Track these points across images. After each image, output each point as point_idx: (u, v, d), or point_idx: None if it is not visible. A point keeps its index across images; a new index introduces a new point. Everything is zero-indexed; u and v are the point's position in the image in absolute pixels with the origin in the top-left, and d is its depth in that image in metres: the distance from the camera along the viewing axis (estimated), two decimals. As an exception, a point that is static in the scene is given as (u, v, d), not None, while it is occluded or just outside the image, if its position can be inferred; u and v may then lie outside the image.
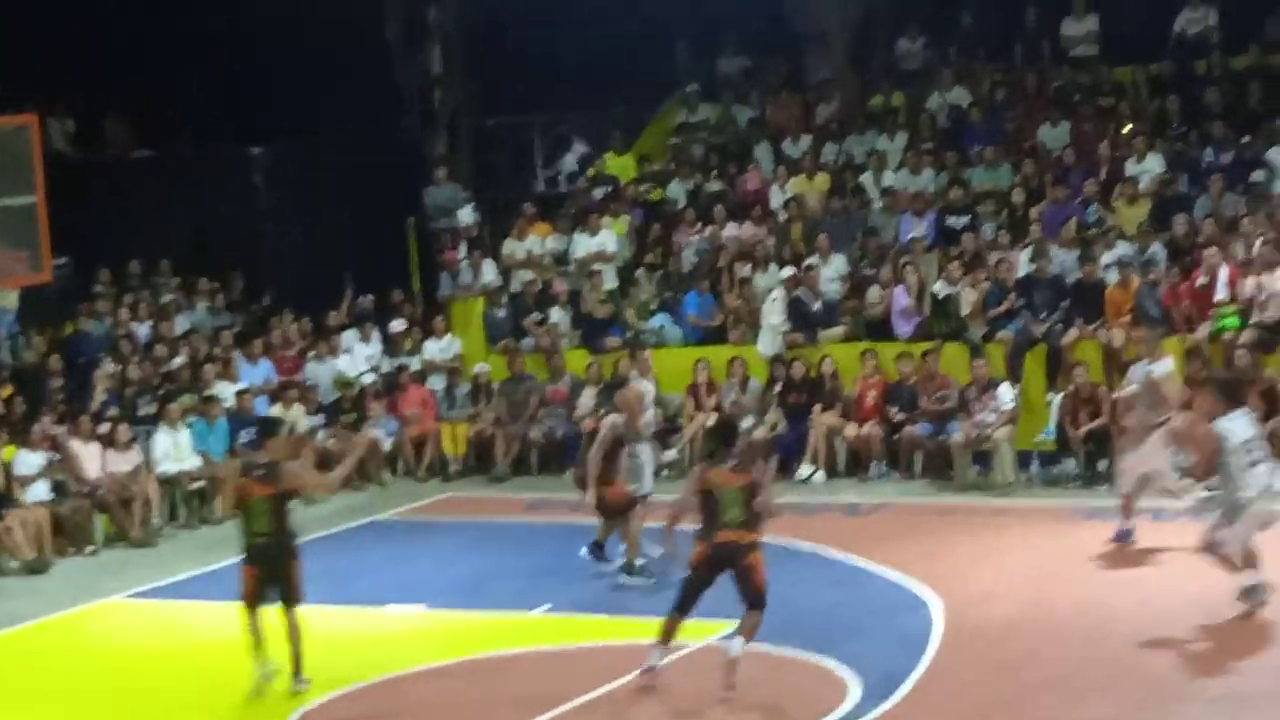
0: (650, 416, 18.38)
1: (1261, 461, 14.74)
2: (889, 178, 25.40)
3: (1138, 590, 15.99)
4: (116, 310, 24.83)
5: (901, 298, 22.86)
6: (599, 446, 17.19)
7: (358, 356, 24.82)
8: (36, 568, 19.82)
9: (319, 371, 24.47)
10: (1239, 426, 14.73)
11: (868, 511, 20.22)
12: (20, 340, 23.62)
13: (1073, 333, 21.72)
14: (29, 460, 20.75)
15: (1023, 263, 22.75)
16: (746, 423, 21.09)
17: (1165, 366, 18.02)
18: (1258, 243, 21.48)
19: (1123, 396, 18.39)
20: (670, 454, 22.31)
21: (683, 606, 13.92)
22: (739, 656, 13.58)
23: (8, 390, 22.01)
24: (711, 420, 20.45)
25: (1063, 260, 22.62)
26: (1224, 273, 21.22)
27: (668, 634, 13.98)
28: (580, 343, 24.62)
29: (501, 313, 25.31)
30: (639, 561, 17.02)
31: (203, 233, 27.02)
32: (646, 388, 18.45)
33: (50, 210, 20.07)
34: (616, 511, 17.18)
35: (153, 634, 16.85)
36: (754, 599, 13.68)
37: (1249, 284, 21.03)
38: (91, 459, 21.27)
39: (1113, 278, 22.06)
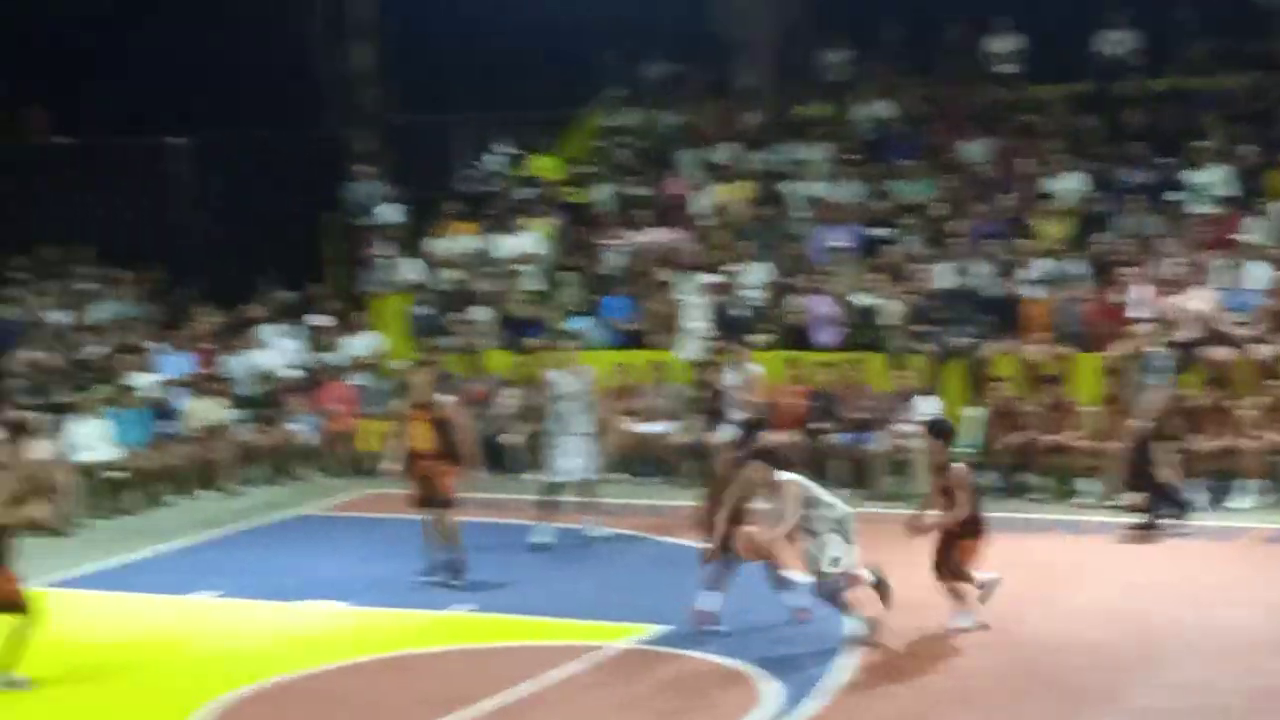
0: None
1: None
2: (813, 187, 25.54)
3: (1055, 602, 16.15)
4: (30, 297, 24.61)
5: (821, 306, 22.98)
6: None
7: (277, 350, 24.73)
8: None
9: (237, 365, 24.37)
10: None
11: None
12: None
13: (992, 347, 21.92)
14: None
15: (942, 276, 22.95)
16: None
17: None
18: (1172, 262, 21.79)
19: None
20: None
21: None
22: None
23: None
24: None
25: (982, 275, 22.83)
26: (1141, 291, 21.49)
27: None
28: (503, 343, 24.62)
29: (424, 310, 25.27)
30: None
31: (123, 222, 26.91)
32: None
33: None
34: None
35: (66, 624, 16.69)
36: None
37: (1165, 303, 21.30)
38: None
39: (1033, 293, 22.28)
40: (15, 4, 27.97)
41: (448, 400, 17.91)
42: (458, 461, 17.47)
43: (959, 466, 15.19)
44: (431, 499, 17.51)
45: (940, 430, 15.65)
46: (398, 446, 17.66)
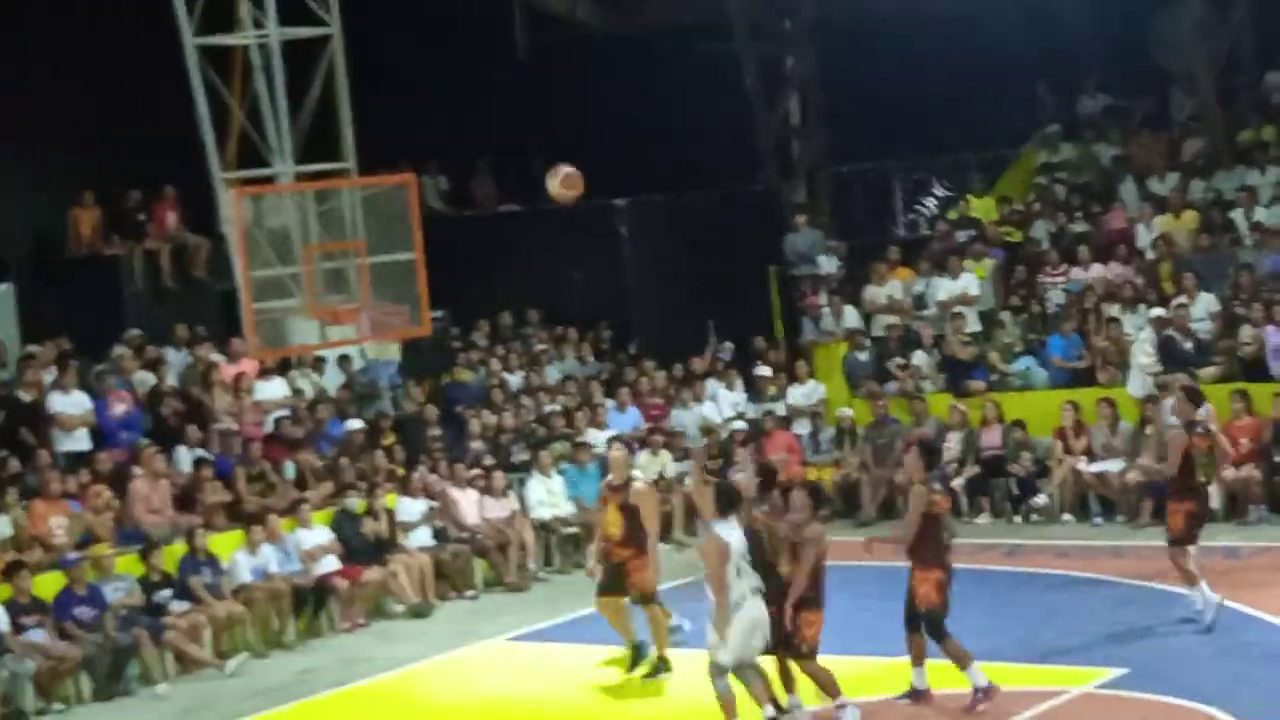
0: None
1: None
2: (1260, 213, 24.77)
3: None
4: (489, 360, 25.55)
5: (1275, 337, 22.23)
6: None
7: (723, 403, 25.14)
8: (420, 611, 20.45)
9: (685, 418, 24.83)
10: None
11: (1248, 555, 19.67)
12: (400, 391, 24.45)
13: None
14: (410, 508, 21.47)
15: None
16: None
17: None
18: None
19: None
20: (1040, 499, 22.11)
21: None
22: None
23: (390, 438, 22.78)
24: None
25: None
26: None
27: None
28: (944, 386, 24.52)
29: (864, 357, 25.37)
30: None
31: (568, 284, 27.73)
32: None
33: (426, 265, 20.70)
34: None
35: (527, 676, 17.26)
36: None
37: None
38: (470, 505, 21.92)
39: None
40: (457, 80, 29.19)
41: (640, 486, 16.50)
42: (643, 551, 16.33)
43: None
44: (616, 588, 16.47)
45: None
46: (597, 537, 16.80)
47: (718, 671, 13.91)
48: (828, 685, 14.27)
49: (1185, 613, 16.78)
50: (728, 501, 14.14)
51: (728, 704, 13.95)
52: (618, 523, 16.30)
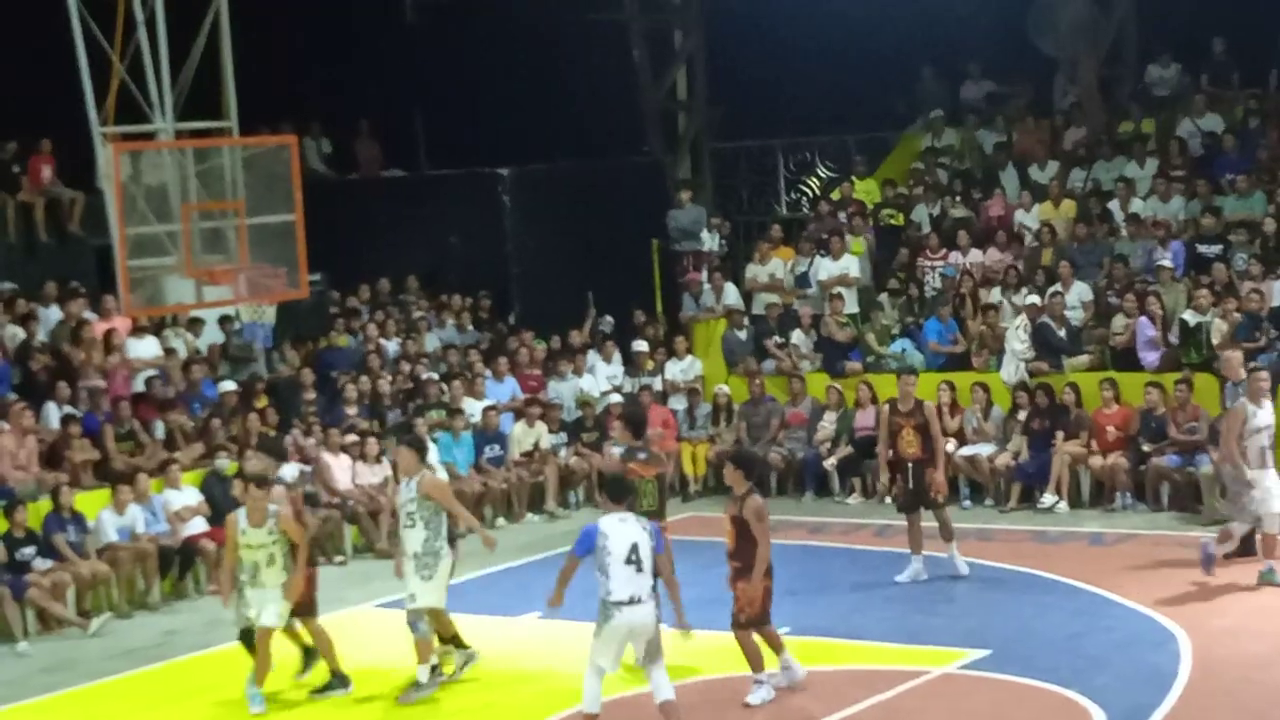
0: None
1: None
2: (1137, 205, 25.06)
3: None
4: (367, 326, 25.40)
5: (1147, 328, 22.51)
6: None
7: (600, 376, 25.16)
8: (288, 576, 20.31)
9: (562, 390, 24.82)
10: None
11: (1112, 542, 19.95)
12: (275, 354, 24.26)
13: (1327, 365, 21.23)
14: (283, 471, 21.30)
15: (1276, 294, 22.30)
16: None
17: None
18: None
19: None
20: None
21: None
22: None
23: (263, 401, 22.61)
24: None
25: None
26: None
27: None
28: (821, 366, 24.65)
29: (743, 335, 25.45)
30: None
31: (448, 252, 27.61)
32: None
33: (306, 227, 20.52)
34: None
35: (396, 643, 17.17)
36: None
37: None
38: (342, 471, 21.82)
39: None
40: (340, 40, 28.96)
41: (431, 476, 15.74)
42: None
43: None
44: None
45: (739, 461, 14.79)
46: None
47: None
48: (752, 658, 14.38)
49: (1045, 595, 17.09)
50: (619, 490, 13.82)
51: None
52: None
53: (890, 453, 18.54)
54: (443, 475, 17.09)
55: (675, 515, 22.63)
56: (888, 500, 20.09)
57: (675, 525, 21.85)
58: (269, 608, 15.11)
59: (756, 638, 14.51)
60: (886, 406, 18.83)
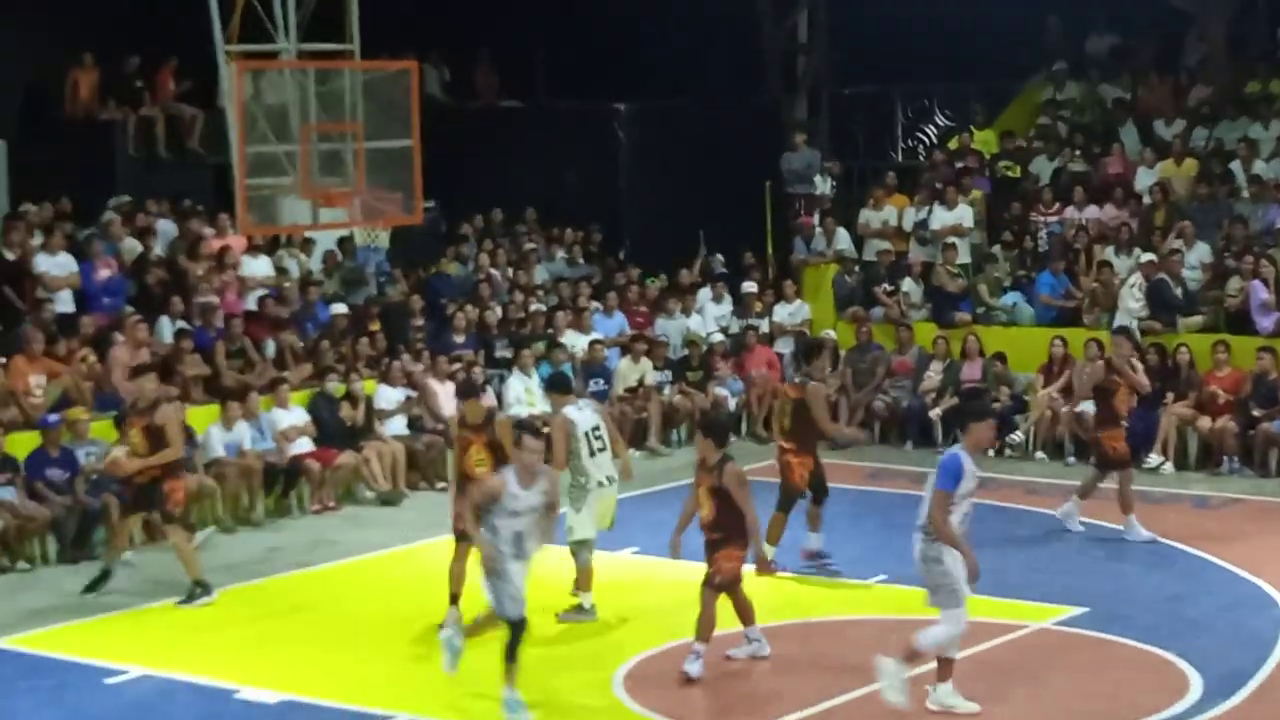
0: None
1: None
2: (1259, 166, 24.71)
3: None
4: (478, 255, 25.49)
5: (1261, 291, 22.23)
6: None
7: (708, 316, 25.15)
8: (390, 499, 20.54)
9: (669, 327, 24.83)
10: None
11: (1218, 506, 19.78)
12: (387, 279, 24.41)
13: None
14: (389, 395, 21.49)
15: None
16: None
17: None
18: None
19: None
20: (1016, 435, 22.11)
21: None
22: None
23: (374, 325, 22.77)
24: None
25: None
26: None
27: None
28: (930, 316, 24.52)
29: (852, 280, 25.35)
30: None
31: (564, 185, 27.64)
32: None
33: (422, 154, 20.61)
34: None
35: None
36: None
37: None
38: (447, 398, 21.91)
39: None
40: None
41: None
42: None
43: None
44: None
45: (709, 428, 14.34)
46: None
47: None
48: (704, 625, 13.89)
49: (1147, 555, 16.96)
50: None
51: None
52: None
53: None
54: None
55: (766, 460, 22.74)
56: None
57: (774, 469, 21.97)
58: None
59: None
60: (1102, 364, 18.75)
